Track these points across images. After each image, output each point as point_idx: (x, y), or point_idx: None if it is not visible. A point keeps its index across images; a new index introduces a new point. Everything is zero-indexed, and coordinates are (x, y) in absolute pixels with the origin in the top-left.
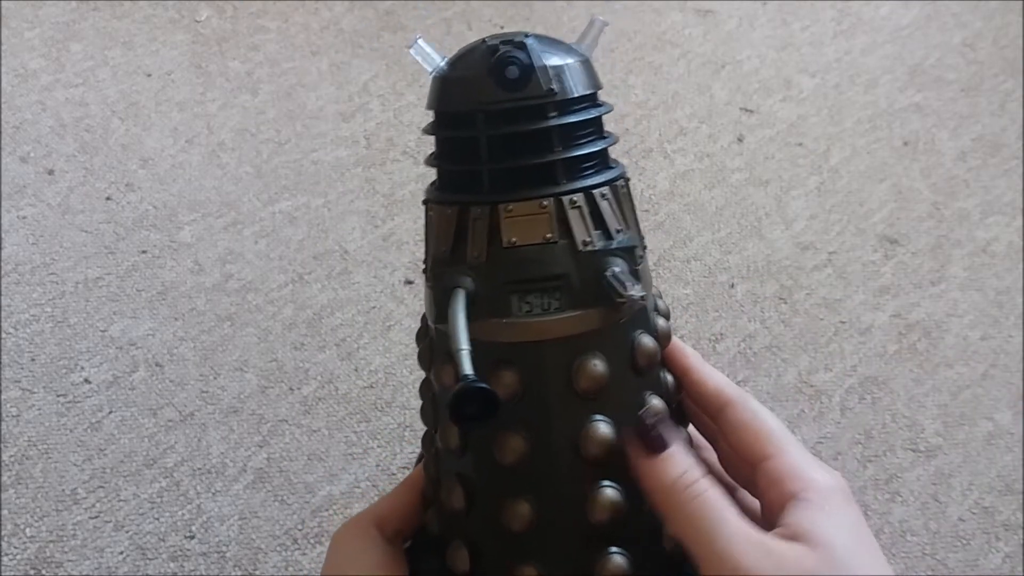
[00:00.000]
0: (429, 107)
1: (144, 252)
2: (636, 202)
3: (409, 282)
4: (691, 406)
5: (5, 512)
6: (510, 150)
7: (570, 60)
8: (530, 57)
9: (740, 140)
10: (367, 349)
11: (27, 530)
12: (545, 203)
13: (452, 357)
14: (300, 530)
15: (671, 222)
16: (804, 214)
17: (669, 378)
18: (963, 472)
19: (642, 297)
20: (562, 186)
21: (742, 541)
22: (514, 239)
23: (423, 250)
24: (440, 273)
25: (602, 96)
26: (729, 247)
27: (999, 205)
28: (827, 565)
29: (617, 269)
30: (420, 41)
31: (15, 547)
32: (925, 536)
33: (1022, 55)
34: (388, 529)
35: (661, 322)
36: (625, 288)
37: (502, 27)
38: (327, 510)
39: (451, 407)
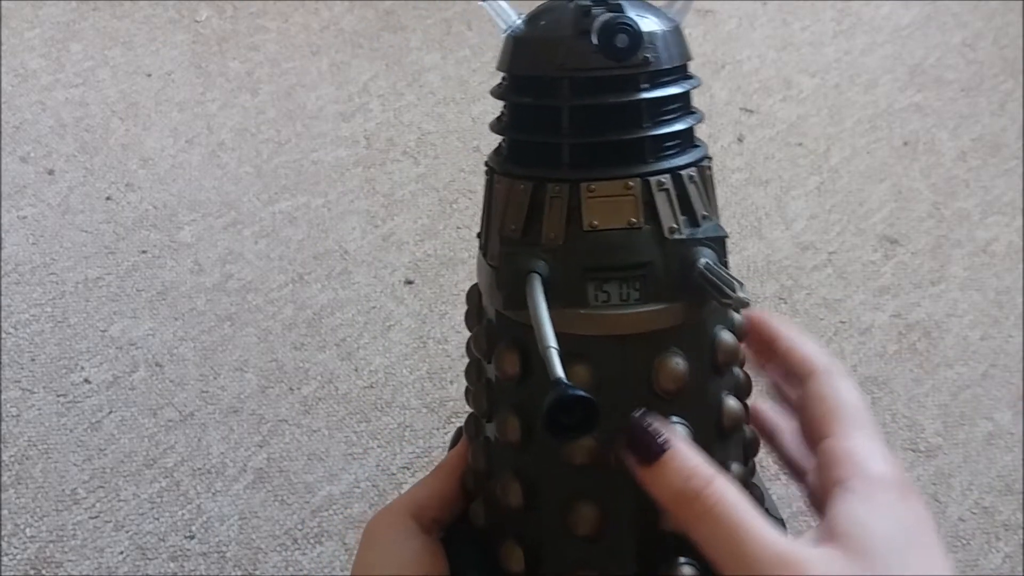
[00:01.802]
0: (500, 68)
1: (144, 252)
2: None
3: (409, 282)
4: (776, 377)
5: (5, 512)
6: (595, 123)
7: (664, 27)
8: (634, 24)
9: (740, 140)
10: (367, 349)
11: (27, 530)
12: (631, 184)
13: (518, 345)
14: (300, 530)
15: None
16: (804, 214)
17: (741, 374)
18: (963, 472)
19: (747, 300)
20: (650, 166)
21: (762, 553)
22: (595, 222)
23: (424, 249)
24: (512, 254)
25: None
26: (729, 247)
27: (999, 205)
28: (859, 567)
29: (709, 262)
30: None
31: (15, 547)
32: None
33: (1022, 55)
34: (425, 518)
35: (737, 317)
36: (733, 289)
37: None
38: (327, 510)
39: (547, 417)
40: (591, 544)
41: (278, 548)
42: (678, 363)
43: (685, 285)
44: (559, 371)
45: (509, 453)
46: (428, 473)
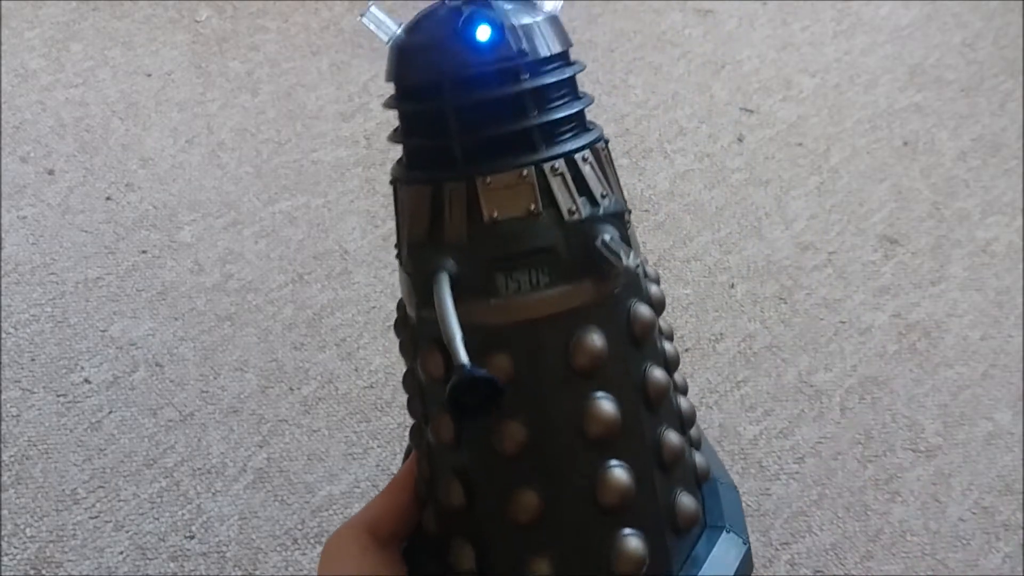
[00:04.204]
0: (388, 79)
1: (144, 252)
2: (636, 202)
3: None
4: None
5: (5, 512)
6: (482, 119)
7: (538, 18)
8: (499, 16)
9: (740, 140)
10: (367, 349)
11: (27, 530)
12: (525, 172)
13: (439, 345)
14: (300, 530)
15: (671, 222)
16: (804, 214)
17: (668, 347)
18: (963, 472)
19: (637, 266)
20: (541, 153)
21: None
22: (495, 214)
23: None
24: (418, 256)
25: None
26: (729, 247)
27: (999, 205)
28: None
29: (607, 237)
30: (373, 8)
31: (15, 547)
32: (925, 536)
33: (1022, 55)
34: (382, 533)
35: (654, 288)
36: (620, 258)
37: None
38: (327, 510)
39: (450, 399)
40: (536, 530)
41: (278, 548)
42: (594, 339)
43: (591, 263)
44: (463, 357)
45: (446, 454)
46: (382, 489)
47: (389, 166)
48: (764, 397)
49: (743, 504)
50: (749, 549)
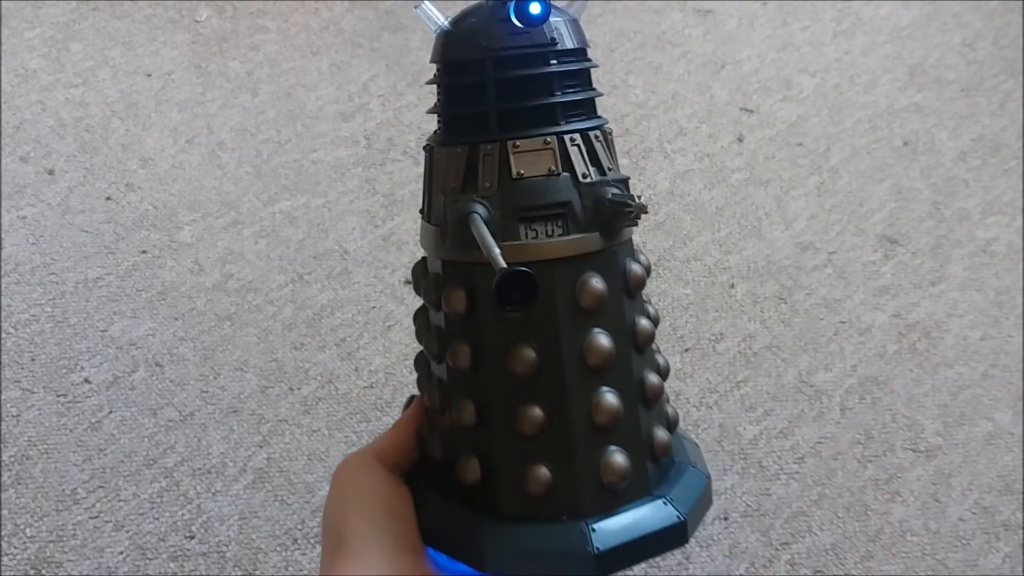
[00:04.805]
0: (434, 60)
1: (144, 252)
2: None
3: (409, 282)
4: None
5: (5, 512)
6: (516, 92)
7: (565, 18)
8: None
9: (740, 140)
10: (367, 349)
11: (27, 530)
12: (548, 140)
13: (463, 283)
14: (300, 530)
15: (671, 222)
16: (804, 214)
17: (651, 309)
18: (963, 472)
19: (646, 208)
20: (562, 126)
21: None
22: (522, 171)
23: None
24: (455, 201)
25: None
26: (729, 247)
27: (999, 205)
28: None
29: (616, 191)
30: (426, 3)
31: (15, 547)
32: (925, 536)
33: (1022, 55)
34: (388, 462)
35: (643, 258)
36: (630, 202)
37: None
38: None
39: (496, 291)
40: (537, 441)
41: (278, 548)
42: (597, 282)
43: (599, 219)
44: (502, 262)
45: (461, 379)
46: (388, 427)
47: (389, 166)
48: (764, 397)
49: (711, 481)
50: (710, 482)
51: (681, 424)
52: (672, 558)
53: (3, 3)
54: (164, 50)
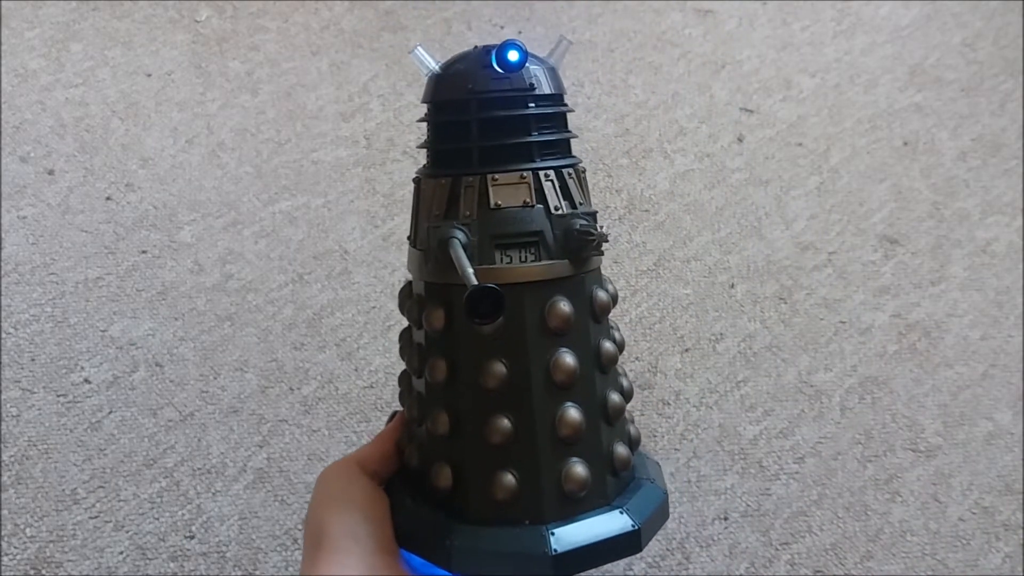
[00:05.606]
0: (425, 100)
1: (144, 252)
2: (636, 202)
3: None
4: None
5: (5, 512)
6: (496, 131)
7: (544, 66)
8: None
9: (740, 140)
10: (367, 349)
11: (27, 530)
12: (524, 175)
13: (441, 303)
14: (300, 530)
15: (671, 222)
16: (804, 214)
17: (617, 335)
18: (963, 472)
19: (607, 238)
20: (537, 163)
21: None
22: (499, 202)
23: None
24: (437, 227)
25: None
26: (729, 247)
27: (999, 205)
28: None
29: (583, 222)
30: (419, 49)
31: (15, 547)
32: (925, 536)
33: (1022, 55)
34: (368, 470)
35: (610, 287)
36: (593, 231)
37: (502, 27)
38: None
39: (467, 306)
40: (504, 450)
41: (278, 548)
42: (564, 305)
43: (568, 248)
44: (474, 280)
45: (438, 392)
46: (370, 439)
47: (389, 166)
48: (764, 397)
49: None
50: (667, 497)
51: (681, 424)
52: (672, 558)
53: (3, 3)
54: (164, 50)
